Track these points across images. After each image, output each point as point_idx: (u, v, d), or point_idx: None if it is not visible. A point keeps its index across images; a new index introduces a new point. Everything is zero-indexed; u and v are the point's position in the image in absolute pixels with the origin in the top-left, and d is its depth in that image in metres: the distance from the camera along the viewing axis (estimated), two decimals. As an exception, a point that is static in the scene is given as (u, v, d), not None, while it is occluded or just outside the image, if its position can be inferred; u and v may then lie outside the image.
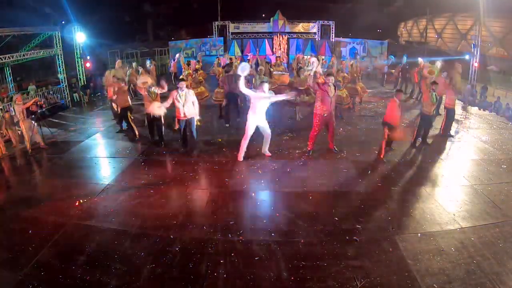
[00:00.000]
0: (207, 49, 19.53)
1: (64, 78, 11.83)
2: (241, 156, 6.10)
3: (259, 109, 5.83)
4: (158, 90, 6.64)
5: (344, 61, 12.28)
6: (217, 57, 12.97)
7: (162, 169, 5.97)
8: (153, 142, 7.03)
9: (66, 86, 11.79)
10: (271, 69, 11.89)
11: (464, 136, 7.65)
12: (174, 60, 15.63)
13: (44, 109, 9.48)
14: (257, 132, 6.09)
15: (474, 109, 10.39)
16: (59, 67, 11.82)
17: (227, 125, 8.27)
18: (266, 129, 6.06)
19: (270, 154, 6.27)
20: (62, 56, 11.75)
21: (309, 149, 6.38)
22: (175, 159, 6.32)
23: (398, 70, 12.26)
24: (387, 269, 3.43)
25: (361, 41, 18.81)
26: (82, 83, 12.83)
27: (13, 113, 7.37)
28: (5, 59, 9.85)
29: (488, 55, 17.11)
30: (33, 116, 7.27)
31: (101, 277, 3.38)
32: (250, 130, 5.94)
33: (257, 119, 5.89)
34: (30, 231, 4.19)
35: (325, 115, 6.10)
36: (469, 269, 3.41)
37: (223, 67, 10.36)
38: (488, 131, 8.05)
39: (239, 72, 6.15)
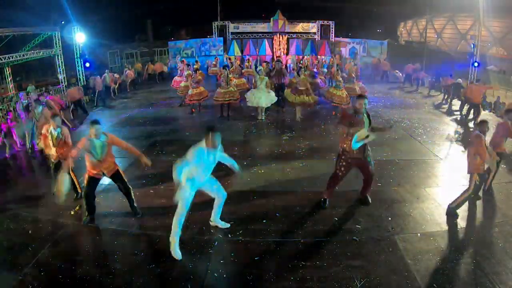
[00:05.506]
0: (206, 49, 19.55)
1: (64, 78, 11.85)
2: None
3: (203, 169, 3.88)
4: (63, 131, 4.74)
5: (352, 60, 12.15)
6: (215, 57, 13.01)
7: (162, 169, 5.96)
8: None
9: (66, 86, 11.80)
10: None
11: (464, 135, 7.64)
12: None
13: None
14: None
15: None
16: (59, 67, 11.84)
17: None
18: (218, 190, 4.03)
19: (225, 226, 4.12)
20: (62, 56, 11.77)
21: (325, 197, 4.61)
22: (174, 159, 6.30)
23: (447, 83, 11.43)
24: (387, 269, 3.43)
25: (361, 41, 18.85)
26: (82, 83, 12.83)
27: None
28: (5, 59, 9.87)
29: (488, 55, 17.14)
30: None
31: (101, 277, 3.38)
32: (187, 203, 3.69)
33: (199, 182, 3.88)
34: (30, 231, 4.19)
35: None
36: (469, 269, 3.42)
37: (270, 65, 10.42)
38: (488, 131, 8.03)
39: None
